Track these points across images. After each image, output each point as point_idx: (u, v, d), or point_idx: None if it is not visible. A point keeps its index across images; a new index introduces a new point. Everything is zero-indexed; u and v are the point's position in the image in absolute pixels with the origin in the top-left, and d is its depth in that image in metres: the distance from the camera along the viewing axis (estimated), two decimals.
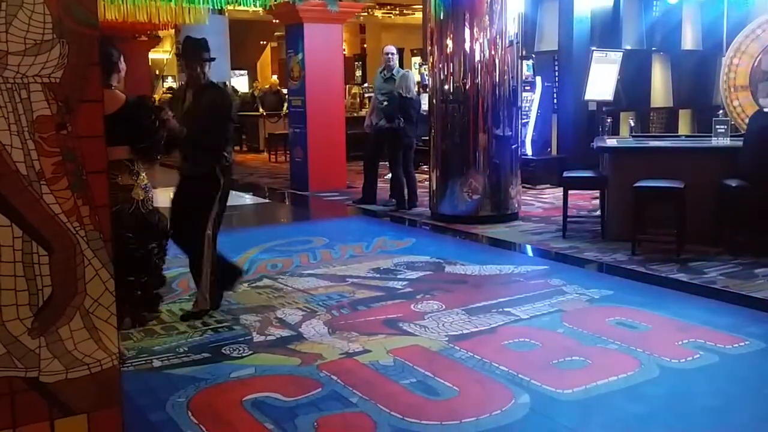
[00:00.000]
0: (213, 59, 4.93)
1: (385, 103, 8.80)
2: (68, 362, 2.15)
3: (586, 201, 8.68)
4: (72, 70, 2.04)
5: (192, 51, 4.88)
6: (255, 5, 10.01)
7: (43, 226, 2.06)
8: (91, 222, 2.10)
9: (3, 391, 2.10)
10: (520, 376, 3.88)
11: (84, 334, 2.15)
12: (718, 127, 6.95)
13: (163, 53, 24.63)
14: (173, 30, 14.64)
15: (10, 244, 2.05)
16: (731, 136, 6.84)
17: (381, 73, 9.19)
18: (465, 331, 4.60)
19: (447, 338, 4.48)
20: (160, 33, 17.42)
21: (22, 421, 2.11)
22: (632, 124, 9.06)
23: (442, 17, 7.95)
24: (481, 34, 7.79)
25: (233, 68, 16.43)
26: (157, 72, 26.24)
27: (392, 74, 8.99)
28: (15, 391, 2.11)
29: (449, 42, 7.89)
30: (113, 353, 2.20)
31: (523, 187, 9.09)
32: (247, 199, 10.57)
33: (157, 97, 21.22)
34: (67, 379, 2.16)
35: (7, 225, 2.05)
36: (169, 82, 24.56)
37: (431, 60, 8.23)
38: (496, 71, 7.85)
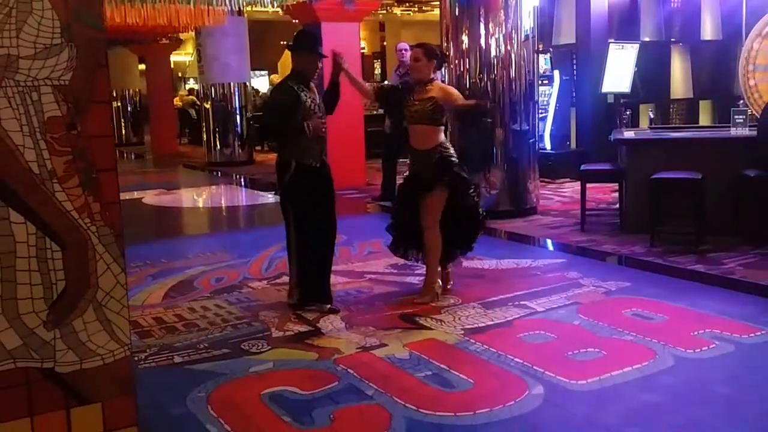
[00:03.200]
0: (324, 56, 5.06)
1: None
2: (82, 353, 2.23)
3: (606, 194, 8.66)
4: (81, 73, 2.11)
5: (315, 44, 5.03)
6: (273, 5, 10.09)
7: (55, 222, 2.14)
8: (102, 218, 2.18)
9: (20, 381, 2.19)
10: (534, 367, 3.91)
11: (97, 326, 2.23)
12: (736, 117, 6.90)
13: (185, 55, 24.87)
14: (194, 32, 14.78)
15: (24, 240, 2.13)
16: (750, 126, 6.79)
17: (396, 71, 9.20)
18: (481, 325, 4.63)
19: (463, 331, 4.51)
20: (182, 36, 17.58)
21: (39, 409, 2.20)
22: (652, 116, 9.02)
23: (457, 13, 7.97)
24: (497, 29, 7.80)
25: (253, 69, 16.53)
26: (180, 74, 26.51)
27: (407, 71, 8.98)
28: (32, 381, 2.20)
29: (465, 38, 7.91)
30: (125, 344, 2.28)
31: (543, 181, 9.08)
32: (269, 197, 10.68)
33: (178, 100, 21.47)
34: (81, 369, 2.24)
35: (21, 222, 2.13)
36: (191, 84, 24.83)
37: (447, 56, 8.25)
38: (512, 66, 7.85)
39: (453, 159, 5.10)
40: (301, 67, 4.96)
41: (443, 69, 8.75)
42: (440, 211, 5.09)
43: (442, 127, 5.15)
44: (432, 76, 5.14)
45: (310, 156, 4.93)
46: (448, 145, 5.17)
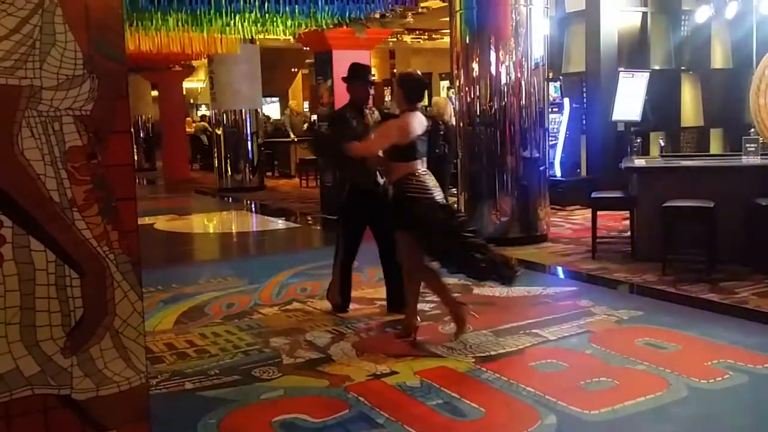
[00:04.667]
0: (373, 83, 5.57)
1: None
2: (99, 380, 2.24)
3: (617, 222, 8.65)
4: (101, 103, 2.16)
5: (366, 75, 5.48)
6: (285, 34, 10.19)
7: (75, 250, 2.16)
8: (120, 246, 2.21)
9: (37, 407, 2.20)
10: (546, 397, 3.88)
11: (113, 354, 2.25)
12: (748, 145, 6.91)
13: (197, 82, 25.09)
14: (206, 59, 14.94)
15: (44, 268, 2.16)
16: (762, 155, 6.79)
17: None
18: (492, 353, 4.61)
19: (474, 359, 4.50)
20: (194, 63, 17.76)
21: None
22: (662, 144, 9.03)
23: (468, 41, 8.04)
24: (507, 56, 7.86)
25: (264, 95, 16.66)
26: (192, 100, 26.74)
27: None
28: (48, 408, 2.21)
29: (475, 65, 7.96)
30: (141, 371, 2.29)
31: (553, 208, 9.08)
32: (279, 223, 10.73)
33: (189, 126, 21.62)
34: (98, 396, 2.26)
35: (41, 250, 2.16)
36: (203, 110, 25.03)
37: (458, 83, 8.30)
38: (522, 93, 7.89)
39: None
40: (354, 96, 5.45)
41: (454, 96, 8.83)
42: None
43: (402, 162, 4.76)
44: (405, 107, 4.80)
45: (362, 178, 5.36)
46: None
